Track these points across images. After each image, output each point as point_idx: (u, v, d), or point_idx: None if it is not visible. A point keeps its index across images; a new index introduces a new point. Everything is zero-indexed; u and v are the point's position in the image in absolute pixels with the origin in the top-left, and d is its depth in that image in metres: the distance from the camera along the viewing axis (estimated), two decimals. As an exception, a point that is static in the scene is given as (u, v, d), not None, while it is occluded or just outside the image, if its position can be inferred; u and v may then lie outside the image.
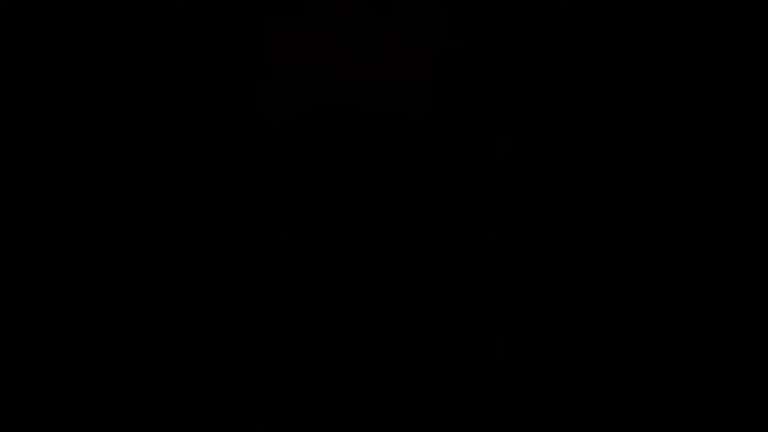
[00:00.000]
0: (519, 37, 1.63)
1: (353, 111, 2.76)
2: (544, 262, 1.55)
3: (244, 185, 1.66)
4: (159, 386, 1.35)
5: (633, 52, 1.20)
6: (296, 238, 2.09)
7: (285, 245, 2.02)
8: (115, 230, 1.32)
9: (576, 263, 1.47)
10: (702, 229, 1.26)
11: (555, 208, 1.54)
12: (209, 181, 1.47)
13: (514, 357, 1.47)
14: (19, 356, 1.27)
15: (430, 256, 2.65)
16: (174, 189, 1.38)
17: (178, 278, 1.38)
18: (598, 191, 1.45)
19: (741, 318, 1.31)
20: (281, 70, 2.60)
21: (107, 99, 1.31)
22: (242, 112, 1.77)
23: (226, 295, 1.52)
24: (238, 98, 1.72)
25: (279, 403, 1.86)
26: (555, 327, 1.49)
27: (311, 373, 1.98)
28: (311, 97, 2.51)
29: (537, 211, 1.64)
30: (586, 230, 1.43)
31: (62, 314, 1.29)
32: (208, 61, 1.53)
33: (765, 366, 1.28)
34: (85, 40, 1.28)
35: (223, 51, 1.65)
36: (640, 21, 1.18)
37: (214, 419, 1.41)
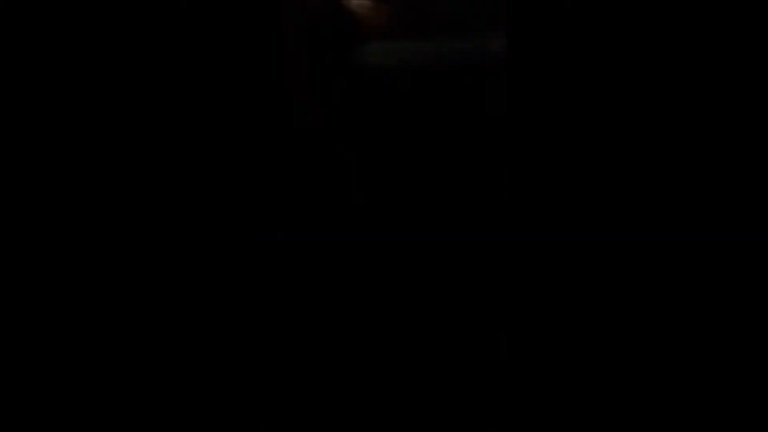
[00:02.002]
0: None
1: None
2: (544, 261, 1.55)
3: (244, 185, 1.66)
4: (159, 386, 1.36)
5: (633, 51, 1.20)
6: (296, 238, 2.09)
7: (285, 245, 2.02)
8: (115, 230, 1.32)
9: (576, 263, 1.47)
10: (702, 229, 1.26)
11: (555, 208, 1.54)
12: (209, 180, 1.47)
13: (514, 357, 1.47)
14: (17, 355, 1.28)
15: (429, 255, 2.64)
16: (174, 189, 1.38)
17: (178, 278, 1.39)
18: (598, 191, 1.45)
19: (741, 318, 1.31)
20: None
21: (107, 98, 1.31)
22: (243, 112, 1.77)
23: (226, 295, 1.52)
24: (239, 98, 1.72)
25: (279, 403, 1.86)
26: (555, 326, 1.49)
27: (311, 373, 1.98)
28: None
29: (537, 210, 1.64)
30: (586, 231, 1.43)
31: (62, 314, 1.29)
32: (209, 60, 1.53)
33: (765, 366, 1.28)
34: (85, 40, 1.28)
35: (223, 50, 1.64)
36: (641, 21, 1.18)
37: (214, 419, 1.41)
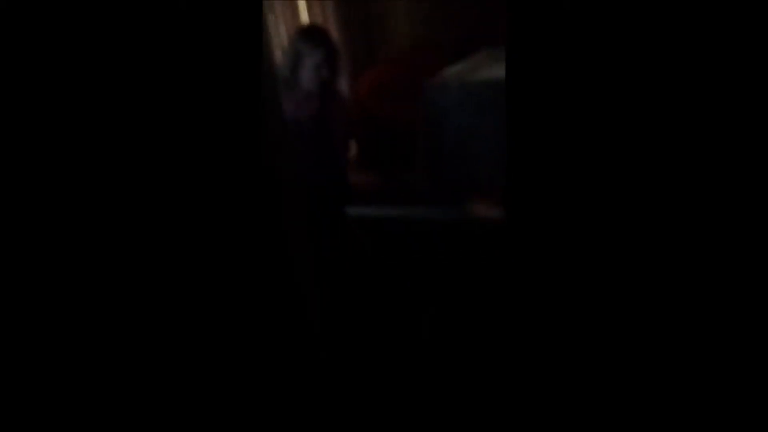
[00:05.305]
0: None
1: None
2: (545, 261, 1.54)
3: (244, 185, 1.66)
4: (157, 387, 1.36)
5: (633, 51, 1.20)
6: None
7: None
8: (113, 230, 1.32)
9: (576, 263, 1.47)
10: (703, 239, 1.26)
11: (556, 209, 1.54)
12: (209, 179, 1.47)
13: (514, 356, 1.47)
14: (16, 355, 1.28)
15: (430, 256, 2.65)
16: (174, 188, 1.38)
17: (176, 278, 1.39)
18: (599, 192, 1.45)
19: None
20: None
21: (106, 97, 1.31)
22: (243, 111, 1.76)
23: (224, 295, 1.52)
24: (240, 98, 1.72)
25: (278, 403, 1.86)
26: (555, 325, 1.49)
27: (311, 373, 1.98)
28: (311, 95, 2.50)
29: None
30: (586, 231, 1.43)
31: (59, 314, 1.29)
32: (209, 57, 1.53)
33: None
34: (84, 38, 1.28)
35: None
36: (641, 21, 1.18)
37: (214, 419, 1.41)
